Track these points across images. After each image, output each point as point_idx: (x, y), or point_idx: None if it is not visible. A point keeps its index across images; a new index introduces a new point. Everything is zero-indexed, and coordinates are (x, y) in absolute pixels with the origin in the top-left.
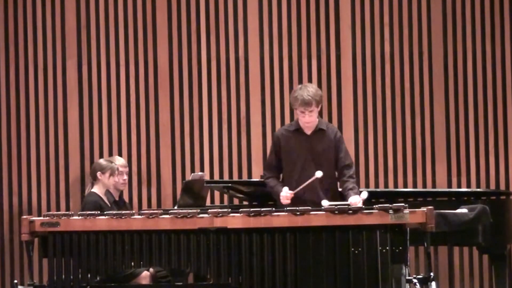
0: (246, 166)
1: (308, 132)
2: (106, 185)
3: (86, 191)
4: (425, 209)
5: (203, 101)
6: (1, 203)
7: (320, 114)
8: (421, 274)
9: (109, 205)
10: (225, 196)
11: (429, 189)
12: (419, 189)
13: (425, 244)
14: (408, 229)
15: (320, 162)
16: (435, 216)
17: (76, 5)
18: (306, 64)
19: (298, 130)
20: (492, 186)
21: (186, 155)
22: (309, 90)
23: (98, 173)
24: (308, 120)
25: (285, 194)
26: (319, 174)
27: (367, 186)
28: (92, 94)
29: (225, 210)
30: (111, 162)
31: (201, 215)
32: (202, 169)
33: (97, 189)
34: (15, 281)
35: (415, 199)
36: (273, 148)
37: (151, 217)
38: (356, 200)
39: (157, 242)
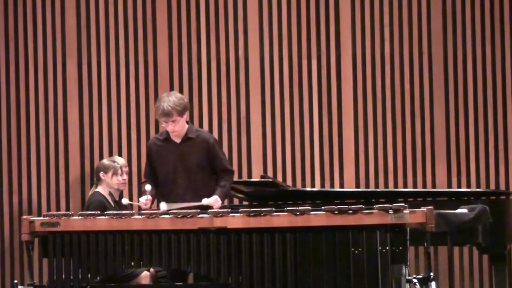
0: (246, 166)
1: (177, 140)
2: (110, 184)
3: (90, 192)
4: (425, 209)
5: (203, 101)
6: (1, 203)
7: (321, 113)
8: (421, 274)
9: (113, 205)
10: None
11: (429, 189)
12: (419, 189)
13: (425, 244)
14: (408, 229)
15: (192, 170)
16: (435, 216)
17: (76, 5)
18: (306, 64)
19: (168, 139)
20: (492, 186)
21: None
22: (171, 99)
23: (101, 173)
24: (172, 130)
25: (143, 200)
26: (163, 206)
27: (367, 186)
28: (92, 94)
29: (225, 210)
30: (114, 161)
31: (201, 215)
32: None
33: (101, 190)
34: (15, 281)
35: (415, 199)
36: (147, 157)
37: (151, 217)
38: (209, 201)
39: (157, 242)
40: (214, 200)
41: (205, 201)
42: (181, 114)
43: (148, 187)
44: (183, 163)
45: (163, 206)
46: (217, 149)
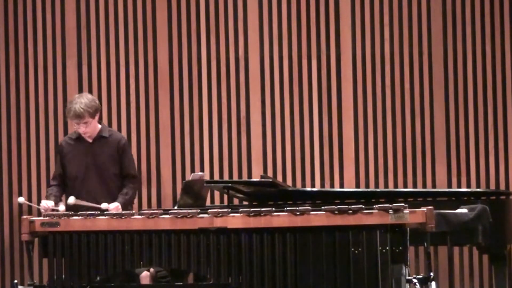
0: (246, 166)
1: (90, 140)
2: None
3: None
4: (425, 209)
5: (203, 101)
6: (1, 203)
7: (321, 114)
8: (421, 274)
9: None
10: (225, 196)
11: (429, 189)
12: (419, 189)
13: (425, 244)
14: (408, 229)
15: (102, 171)
16: (435, 216)
17: (76, 5)
18: (306, 64)
19: (80, 138)
20: (492, 186)
21: (186, 155)
22: (82, 101)
23: None
24: (84, 131)
25: (45, 205)
26: (71, 200)
27: (367, 186)
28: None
29: (225, 210)
30: None
31: (201, 215)
32: (202, 169)
33: None
34: (15, 281)
35: (415, 199)
36: (57, 157)
37: (151, 217)
38: (109, 206)
39: (157, 242)
40: (114, 207)
41: (104, 206)
42: (92, 115)
43: (71, 199)
44: (95, 160)
45: (71, 199)
46: (127, 150)
